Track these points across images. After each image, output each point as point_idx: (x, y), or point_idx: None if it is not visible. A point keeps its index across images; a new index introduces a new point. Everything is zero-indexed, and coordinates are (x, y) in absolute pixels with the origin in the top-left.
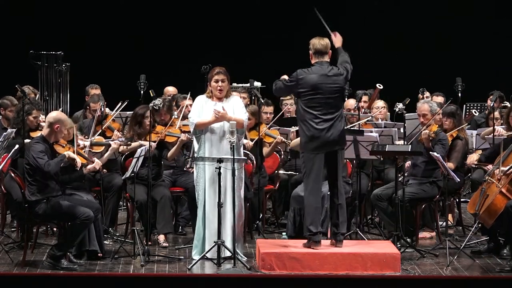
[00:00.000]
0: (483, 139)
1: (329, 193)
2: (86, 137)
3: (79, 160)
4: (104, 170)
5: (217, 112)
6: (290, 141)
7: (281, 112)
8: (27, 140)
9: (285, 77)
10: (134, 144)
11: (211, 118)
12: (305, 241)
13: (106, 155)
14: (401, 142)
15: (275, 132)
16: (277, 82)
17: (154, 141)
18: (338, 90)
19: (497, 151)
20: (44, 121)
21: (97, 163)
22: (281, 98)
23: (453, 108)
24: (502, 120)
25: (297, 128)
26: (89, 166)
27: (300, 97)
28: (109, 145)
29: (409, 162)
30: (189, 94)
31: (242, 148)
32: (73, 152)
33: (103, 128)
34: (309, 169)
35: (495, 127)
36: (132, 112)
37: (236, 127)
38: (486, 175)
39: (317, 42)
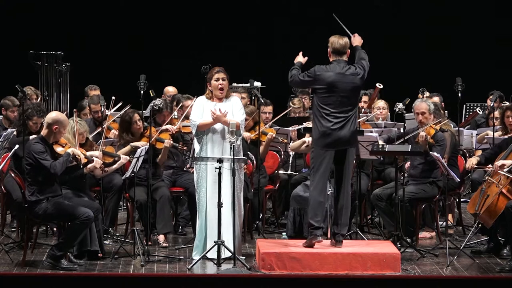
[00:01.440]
0: (479, 142)
1: (330, 190)
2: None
3: (83, 156)
4: (106, 169)
5: (212, 113)
6: (283, 140)
7: (284, 112)
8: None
9: (300, 59)
10: (125, 149)
11: (211, 119)
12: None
13: (113, 167)
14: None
15: (270, 130)
16: (292, 72)
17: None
18: (353, 89)
19: (498, 152)
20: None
21: (97, 162)
22: (291, 105)
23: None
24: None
25: (297, 127)
26: (89, 165)
27: (315, 94)
28: (119, 158)
29: (409, 162)
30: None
31: (241, 148)
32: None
33: (102, 128)
34: (317, 164)
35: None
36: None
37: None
38: (486, 175)
39: (336, 41)
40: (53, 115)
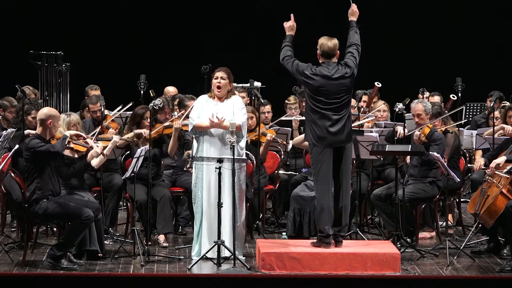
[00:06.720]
0: (485, 139)
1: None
2: (92, 136)
3: (83, 134)
4: (104, 152)
5: (211, 121)
6: (283, 141)
7: (284, 116)
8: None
9: (290, 31)
10: (131, 134)
11: (208, 123)
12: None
13: (108, 147)
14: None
15: (270, 131)
16: (285, 53)
17: (155, 138)
18: (343, 91)
19: (499, 153)
20: None
21: (99, 147)
22: (286, 102)
23: (436, 107)
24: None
25: (300, 117)
26: (91, 152)
27: (306, 98)
28: (112, 139)
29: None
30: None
31: (243, 150)
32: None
33: (102, 127)
34: (317, 170)
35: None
36: (132, 112)
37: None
38: (487, 175)
39: (325, 43)
40: (44, 110)
